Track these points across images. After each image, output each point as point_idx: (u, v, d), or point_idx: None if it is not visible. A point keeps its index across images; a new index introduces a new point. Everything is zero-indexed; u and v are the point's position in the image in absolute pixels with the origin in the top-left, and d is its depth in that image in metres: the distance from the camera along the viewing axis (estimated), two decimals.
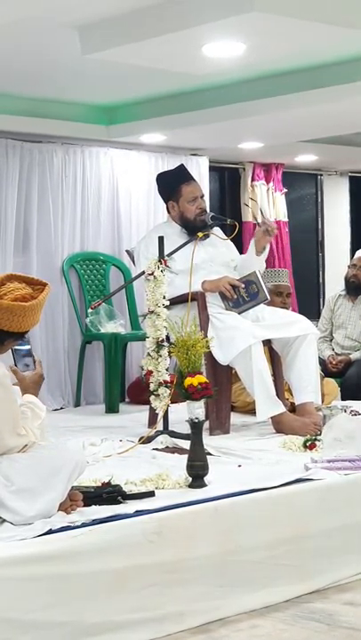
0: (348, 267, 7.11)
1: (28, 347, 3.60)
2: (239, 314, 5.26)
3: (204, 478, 3.83)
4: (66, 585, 3.10)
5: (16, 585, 3.00)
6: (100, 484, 3.67)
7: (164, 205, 5.72)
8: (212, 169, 8.14)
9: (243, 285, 5.27)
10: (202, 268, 5.33)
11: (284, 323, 5.40)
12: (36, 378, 3.61)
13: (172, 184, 5.53)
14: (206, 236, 5.41)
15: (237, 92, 6.24)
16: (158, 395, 4.90)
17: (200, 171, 7.84)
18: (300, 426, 5.03)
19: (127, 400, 7.04)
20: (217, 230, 5.52)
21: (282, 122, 6.63)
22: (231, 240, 5.55)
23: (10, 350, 3.54)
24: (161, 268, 4.97)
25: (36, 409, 3.53)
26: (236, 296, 5.26)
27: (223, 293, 5.26)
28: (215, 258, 5.47)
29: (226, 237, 5.53)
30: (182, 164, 5.84)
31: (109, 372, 6.74)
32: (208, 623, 3.37)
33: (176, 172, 5.67)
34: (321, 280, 9.56)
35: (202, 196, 5.52)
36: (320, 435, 4.70)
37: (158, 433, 4.93)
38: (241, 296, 5.27)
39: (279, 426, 5.11)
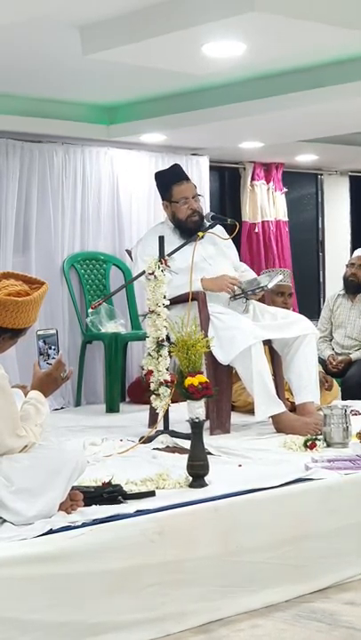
0: (347, 266, 7.11)
1: (41, 343, 3.60)
2: (247, 299, 5.28)
3: (205, 478, 3.83)
4: (66, 585, 3.10)
5: (16, 585, 3.00)
6: (100, 484, 3.67)
7: None
8: (212, 169, 8.13)
9: (241, 280, 5.34)
10: (201, 268, 5.33)
11: (285, 323, 5.41)
12: (43, 376, 3.60)
13: (164, 184, 5.53)
14: (202, 237, 5.40)
15: (238, 92, 6.24)
16: (159, 394, 4.90)
17: (200, 170, 7.84)
18: (300, 425, 5.03)
19: (128, 400, 7.03)
20: (218, 229, 5.52)
21: (282, 121, 6.62)
22: (231, 240, 5.57)
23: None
24: (161, 268, 4.97)
25: (38, 405, 3.53)
26: (237, 288, 5.33)
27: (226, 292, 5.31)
28: (215, 257, 5.47)
29: (226, 237, 5.54)
30: (177, 164, 5.81)
31: (110, 371, 6.73)
32: (209, 623, 3.38)
33: (169, 172, 5.65)
34: (321, 280, 9.55)
35: (194, 197, 5.45)
36: (320, 434, 4.71)
37: (159, 432, 4.93)
38: (242, 289, 5.33)
39: (280, 425, 5.11)
